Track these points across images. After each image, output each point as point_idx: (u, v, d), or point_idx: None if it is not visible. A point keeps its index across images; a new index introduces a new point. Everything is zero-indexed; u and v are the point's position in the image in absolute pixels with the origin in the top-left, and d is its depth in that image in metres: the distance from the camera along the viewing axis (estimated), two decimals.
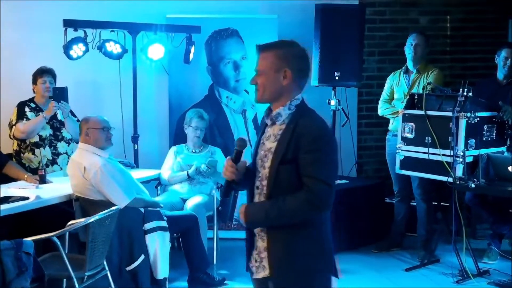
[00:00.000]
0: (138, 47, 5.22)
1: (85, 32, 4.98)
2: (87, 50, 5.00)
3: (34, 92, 4.94)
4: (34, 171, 4.67)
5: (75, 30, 4.94)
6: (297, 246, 2.31)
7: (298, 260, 2.31)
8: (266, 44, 2.40)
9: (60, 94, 4.75)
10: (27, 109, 4.86)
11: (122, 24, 5.14)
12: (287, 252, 2.31)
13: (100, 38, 5.06)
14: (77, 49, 4.96)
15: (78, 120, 4.89)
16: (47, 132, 4.85)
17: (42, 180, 4.38)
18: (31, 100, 4.94)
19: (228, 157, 2.44)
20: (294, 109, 2.33)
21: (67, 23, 4.89)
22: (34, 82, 4.92)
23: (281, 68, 2.31)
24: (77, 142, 4.79)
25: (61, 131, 4.91)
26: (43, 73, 4.89)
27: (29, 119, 4.81)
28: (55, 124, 4.89)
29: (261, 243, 2.37)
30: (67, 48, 4.92)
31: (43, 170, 4.45)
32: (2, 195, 3.95)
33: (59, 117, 4.88)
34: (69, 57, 4.96)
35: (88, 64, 5.28)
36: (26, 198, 3.91)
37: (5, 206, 3.72)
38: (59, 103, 4.72)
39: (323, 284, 2.37)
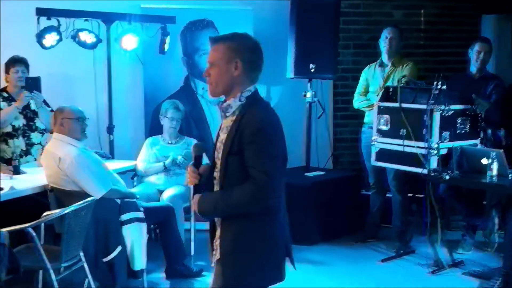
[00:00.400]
0: (112, 37, 5.15)
1: (58, 21, 4.90)
2: (60, 40, 4.92)
3: (6, 82, 4.86)
4: (7, 162, 4.60)
5: (48, 19, 4.86)
6: (243, 237, 2.32)
7: (242, 250, 2.32)
8: (218, 36, 2.45)
9: (33, 84, 4.67)
10: None
11: (96, 14, 5.07)
12: (234, 242, 2.33)
13: (73, 27, 4.98)
14: (50, 38, 4.87)
15: (52, 111, 4.81)
16: (20, 122, 4.78)
17: (16, 171, 4.31)
18: (3, 89, 4.86)
19: (189, 164, 2.46)
20: (245, 100, 2.34)
21: (40, 12, 4.81)
22: (7, 71, 4.84)
23: (232, 60, 2.32)
24: (51, 133, 4.73)
25: (35, 121, 4.85)
26: (15, 62, 4.81)
27: (1, 109, 4.73)
28: (29, 114, 4.82)
29: (218, 232, 2.40)
30: (39, 37, 4.83)
31: (16, 160, 4.39)
32: None
33: (33, 107, 4.80)
34: (42, 46, 4.87)
35: (62, 54, 5.19)
36: (0, 189, 3.84)
37: None
38: (32, 93, 4.64)
39: (263, 276, 2.36)
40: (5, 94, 4.82)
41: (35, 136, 4.85)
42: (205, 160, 2.59)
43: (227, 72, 2.33)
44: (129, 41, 5.17)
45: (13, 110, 4.69)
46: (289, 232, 2.48)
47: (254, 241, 2.32)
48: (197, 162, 2.45)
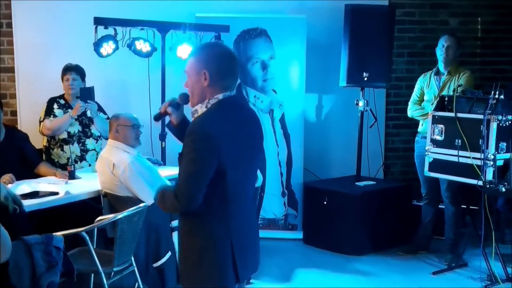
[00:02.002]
0: (167, 46, 5.23)
1: (115, 30, 5.00)
2: (116, 48, 5.01)
3: (63, 89, 5.00)
4: (63, 167, 4.73)
5: (106, 28, 4.95)
6: (185, 237, 2.44)
7: (183, 251, 2.47)
8: (193, 49, 2.54)
9: (87, 94, 4.79)
10: (55, 105, 4.91)
11: (151, 23, 5.14)
12: (180, 242, 2.49)
13: (130, 36, 5.08)
14: (107, 47, 4.96)
15: (108, 118, 4.93)
16: (75, 129, 4.90)
17: (71, 176, 4.42)
18: (61, 96, 5.00)
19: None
20: (209, 107, 2.39)
21: (98, 21, 4.91)
22: (62, 79, 4.98)
23: (201, 71, 2.39)
24: (106, 139, 4.83)
25: (90, 128, 4.96)
26: (67, 70, 4.94)
27: (56, 116, 4.87)
28: (84, 121, 4.94)
29: None
30: (97, 46, 4.92)
31: (72, 166, 4.49)
32: (32, 190, 4.01)
33: (89, 114, 4.92)
34: (99, 54, 4.96)
35: (118, 62, 5.31)
36: (56, 193, 3.96)
37: (35, 201, 3.77)
38: (86, 103, 4.76)
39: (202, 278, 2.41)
40: (61, 101, 4.95)
41: (89, 143, 4.97)
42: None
43: (198, 83, 2.41)
44: (184, 50, 5.23)
45: (67, 119, 4.81)
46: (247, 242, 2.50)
47: (192, 243, 2.41)
48: (175, 104, 2.59)
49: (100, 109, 5.01)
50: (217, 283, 2.39)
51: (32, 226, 3.23)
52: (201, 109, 2.41)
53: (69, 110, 4.86)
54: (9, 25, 5.70)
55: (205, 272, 2.38)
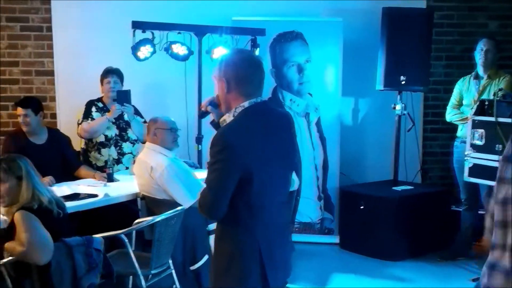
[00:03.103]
0: (203, 49, 5.25)
1: (152, 33, 5.05)
2: (154, 52, 5.05)
3: (102, 92, 5.06)
4: (100, 169, 4.80)
5: (143, 31, 4.99)
6: (217, 242, 2.45)
7: (216, 256, 2.47)
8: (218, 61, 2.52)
9: (123, 97, 4.84)
10: (93, 108, 4.97)
11: (188, 26, 5.18)
12: (214, 255, 2.50)
13: (167, 40, 5.12)
14: (145, 50, 5.00)
15: (144, 121, 4.97)
16: (112, 132, 4.95)
17: (110, 179, 4.47)
18: (99, 99, 5.05)
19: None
20: (236, 115, 2.39)
21: (136, 25, 4.95)
22: (101, 82, 5.04)
23: (221, 79, 2.40)
24: (143, 142, 4.88)
25: (127, 131, 5.00)
26: (107, 73, 5.00)
27: (94, 119, 4.92)
28: (121, 124, 4.99)
29: None
30: (134, 49, 4.96)
31: (110, 168, 4.54)
32: (72, 192, 4.07)
33: (126, 118, 4.97)
34: (137, 58, 5.00)
35: (155, 66, 5.36)
36: (95, 196, 4.01)
37: (75, 203, 3.82)
38: (123, 106, 4.81)
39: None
40: (100, 104, 5.01)
41: (126, 146, 5.00)
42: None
43: (222, 92, 2.43)
44: (220, 53, 5.24)
45: (104, 121, 4.87)
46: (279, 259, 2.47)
47: (222, 249, 2.42)
48: (215, 105, 2.58)
49: (137, 112, 5.05)
50: None
51: (72, 228, 3.27)
52: (228, 118, 2.42)
53: (106, 113, 4.92)
54: (49, 28, 5.80)
55: (232, 279, 2.39)
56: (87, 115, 4.94)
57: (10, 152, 4.05)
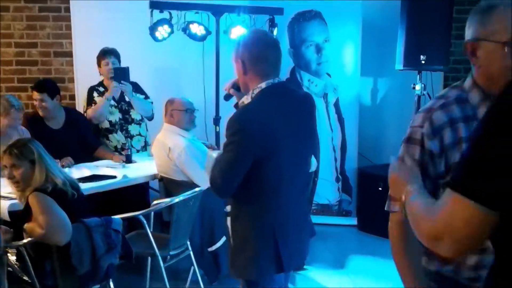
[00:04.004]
0: (221, 29, 5.22)
1: (170, 13, 5.02)
2: (172, 32, 5.01)
3: (100, 75, 4.95)
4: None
5: (161, 11, 4.96)
6: (235, 221, 2.46)
7: (234, 235, 2.47)
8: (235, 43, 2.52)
9: (121, 74, 4.72)
10: (95, 94, 4.88)
11: (206, 6, 5.14)
12: (231, 226, 2.50)
13: (184, 20, 5.09)
14: (163, 31, 4.97)
15: (146, 97, 4.91)
16: (116, 117, 4.87)
17: (128, 160, 4.49)
18: (100, 84, 4.94)
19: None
20: (253, 97, 2.38)
21: (153, 5, 4.93)
22: (99, 64, 4.91)
23: (237, 60, 2.41)
24: (149, 119, 4.85)
25: (130, 113, 4.91)
26: (105, 54, 4.88)
27: (96, 103, 4.84)
28: (124, 107, 4.90)
29: None
30: (152, 29, 4.94)
31: (129, 149, 4.55)
32: (91, 174, 4.09)
33: (127, 98, 4.87)
34: (155, 38, 4.97)
35: (173, 46, 5.33)
36: (114, 177, 4.03)
37: (94, 184, 3.85)
38: (120, 83, 4.70)
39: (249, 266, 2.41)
40: (101, 89, 4.89)
41: (132, 128, 4.93)
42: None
43: (239, 74, 2.44)
44: (238, 33, 5.20)
45: (105, 102, 4.74)
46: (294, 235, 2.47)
47: (236, 230, 2.44)
48: (237, 87, 2.57)
49: (139, 89, 4.95)
50: (256, 272, 2.40)
51: (91, 209, 3.29)
52: (246, 100, 2.41)
53: (106, 93, 4.80)
54: (67, 9, 5.79)
55: (245, 260, 2.40)
56: (90, 101, 4.87)
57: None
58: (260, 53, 2.38)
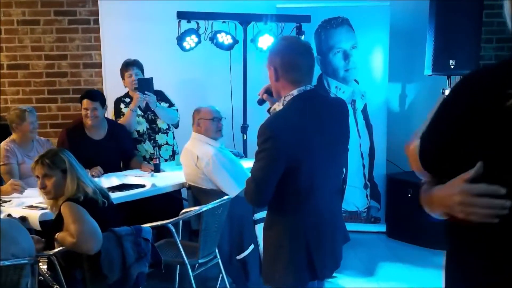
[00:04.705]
0: (248, 38, 5.24)
1: (197, 23, 5.06)
2: (199, 42, 5.06)
3: (125, 86, 5.01)
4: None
5: (188, 21, 5.01)
6: (267, 231, 2.47)
7: (266, 244, 2.48)
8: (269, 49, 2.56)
9: (145, 85, 4.75)
10: (122, 105, 4.95)
11: (233, 15, 5.17)
12: (264, 235, 2.50)
13: (212, 30, 5.12)
14: (190, 41, 5.02)
15: (170, 105, 4.94)
16: (143, 126, 4.91)
17: (157, 169, 4.52)
18: (126, 95, 5.00)
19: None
20: (285, 104, 2.38)
21: (181, 15, 4.98)
22: (122, 77, 4.97)
23: (270, 67, 2.41)
24: (175, 127, 4.89)
25: (157, 122, 4.94)
26: (128, 65, 4.93)
27: (123, 114, 4.89)
28: (150, 116, 4.93)
29: None
30: (180, 39, 4.99)
31: (157, 159, 4.59)
32: (120, 183, 4.13)
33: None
34: (182, 48, 5.03)
35: (200, 56, 5.37)
36: (143, 186, 4.06)
37: (123, 193, 3.88)
38: (144, 94, 4.72)
39: (278, 275, 2.41)
40: (127, 100, 4.95)
41: (160, 138, 4.96)
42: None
43: (272, 81, 2.44)
44: (266, 41, 5.21)
45: (130, 114, 4.78)
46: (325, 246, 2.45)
47: (270, 238, 2.44)
48: (271, 93, 2.59)
49: (163, 98, 4.97)
50: (291, 281, 2.39)
51: (121, 217, 3.32)
52: (278, 107, 2.42)
53: (130, 105, 4.85)
54: (96, 21, 5.89)
55: (279, 269, 2.39)
56: (117, 113, 4.94)
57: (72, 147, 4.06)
58: (291, 61, 2.38)
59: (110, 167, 4.41)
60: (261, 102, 2.73)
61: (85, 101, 4.55)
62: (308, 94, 2.39)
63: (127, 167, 4.73)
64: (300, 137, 2.30)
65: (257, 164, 2.31)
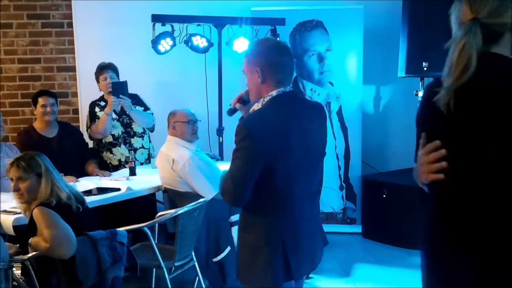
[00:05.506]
0: (223, 41, 5.25)
1: (172, 26, 5.06)
2: (174, 45, 5.06)
3: (100, 90, 4.98)
4: (116, 168, 4.84)
5: (163, 25, 5.00)
6: (241, 243, 2.46)
7: (240, 256, 2.47)
8: (247, 49, 2.58)
9: (120, 88, 4.74)
10: (97, 109, 4.92)
11: (208, 18, 5.17)
12: (238, 246, 2.51)
13: (187, 33, 5.12)
14: (165, 44, 5.01)
15: (146, 109, 4.94)
16: (119, 130, 4.90)
17: (132, 172, 4.50)
18: (101, 98, 4.98)
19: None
20: (264, 104, 2.39)
21: (155, 18, 4.96)
22: (97, 80, 4.95)
23: (253, 68, 2.40)
24: (151, 131, 4.89)
25: (132, 126, 4.93)
26: (102, 69, 4.91)
27: (99, 118, 4.86)
28: (125, 120, 4.92)
29: None
30: (155, 42, 4.98)
31: (133, 162, 4.57)
32: (95, 187, 4.10)
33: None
34: (157, 51, 5.01)
35: (175, 59, 5.37)
36: (118, 190, 4.04)
37: (98, 197, 3.86)
38: (118, 98, 4.72)
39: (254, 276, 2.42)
40: (102, 103, 4.93)
41: (135, 141, 4.94)
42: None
43: (253, 81, 2.43)
44: (241, 44, 5.22)
45: (106, 118, 4.77)
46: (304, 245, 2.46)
47: (246, 240, 2.43)
48: (244, 101, 2.60)
49: (139, 101, 4.97)
50: (268, 281, 2.38)
51: (96, 221, 3.30)
52: (257, 107, 2.42)
53: (105, 109, 4.83)
54: (70, 25, 5.85)
55: (256, 270, 2.38)
56: (93, 117, 4.91)
57: (26, 149, 4.05)
58: (277, 61, 2.39)
59: (68, 165, 4.36)
60: (231, 112, 2.70)
61: (43, 98, 4.60)
62: (287, 95, 2.40)
63: (82, 168, 4.69)
64: (278, 137, 2.30)
65: (235, 162, 2.31)
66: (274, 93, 2.38)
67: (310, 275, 4.46)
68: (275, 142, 2.29)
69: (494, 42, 1.78)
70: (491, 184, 1.71)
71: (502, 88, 1.69)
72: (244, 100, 2.59)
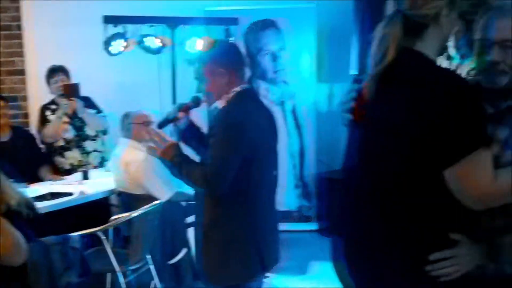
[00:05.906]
0: (177, 41, 5.21)
1: (124, 27, 5.00)
2: (127, 46, 5.00)
3: (51, 93, 4.90)
4: (68, 172, 4.74)
5: (115, 26, 4.94)
6: (210, 240, 2.48)
7: (208, 253, 2.49)
8: (204, 56, 2.66)
9: (71, 91, 4.64)
10: (48, 112, 4.84)
11: (161, 19, 5.12)
12: (204, 244, 2.52)
13: (139, 33, 5.07)
14: (117, 45, 4.95)
15: (98, 111, 4.88)
16: (70, 134, 4.82)
17: (85, 176, 4.44)
18: (52, 102, 4.89)
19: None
20: (230, 99, 2.48)
21: (107, 19, 4.89)
22: (48, 83, 4.87)
23: (217, 70, 2.47)
24: (104, 134, 4.82)
25: (84, 129, 4.85)
26: (53, 71, 4.84)
27: (49, 121, 4.79)
28: (77, 123, 4.83)
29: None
30: (107, 44, 4.92)
31: (85, 166, 4.52)
32: (47, 192, 4.03)
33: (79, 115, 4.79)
34: (109, 53, 4.95)
35: (128, 60, 5.30)
36: (70, 194, 3.98)
37: (50, 203, 3.80)
38: (70, 100, 4.61)
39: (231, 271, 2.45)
40: (53, 106, 4.84)
41: (88, 145, 4.86)
42: None
43: (217, 83, 2.49)
44: (194, 44, 5.20)
45: (57, 120, 4.69)
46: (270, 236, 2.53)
47: (216, 235, 2.45)
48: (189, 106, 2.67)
49: (91, 104, 4.89)
50: (245, 275, 2.42)
51: (49, 227, 3.24)
52: (222, 104, 2.50)
53: (56, 111, 4.76)
54: (19, 27, 5.72)
55: (231, 267, 2.42)
56: (43, 121, 4.82)
57: None
58: (238, 60, 2.54)
59: (21, 169, 4.26)
60: (162, 124, 2.75)
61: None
62: (250, 91, 2.55)
63: (36, 173, 4.61)
64: (255, 127, 2.40)
65: (217, 151, 2.36)
66: (238, 89, 2.47)
67: (267, 274, 4.47)
68: (254, 132, 2.39)
69: (418, 36, 1.75)
70: (373, 172, 1.86)
71: (407, 89, 1.70)
72: (194, 105, 2.64)
